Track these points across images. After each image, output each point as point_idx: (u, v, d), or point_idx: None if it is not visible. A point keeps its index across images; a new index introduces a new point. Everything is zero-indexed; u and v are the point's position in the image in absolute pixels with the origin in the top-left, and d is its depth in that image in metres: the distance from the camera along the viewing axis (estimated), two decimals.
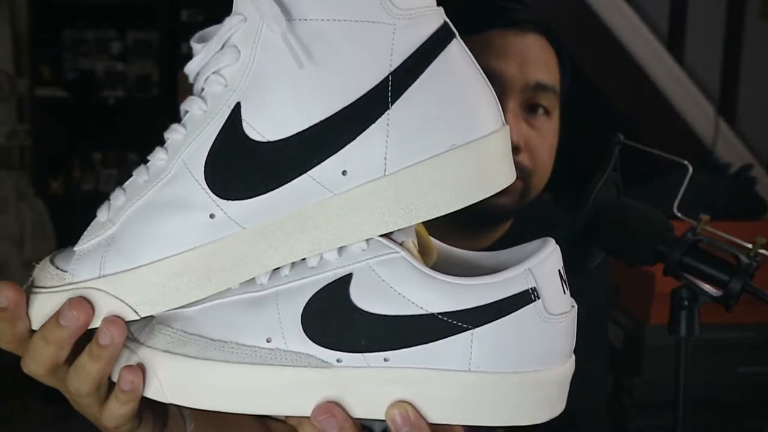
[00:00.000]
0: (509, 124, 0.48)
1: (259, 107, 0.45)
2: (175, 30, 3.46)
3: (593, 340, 0.90)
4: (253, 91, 0.45)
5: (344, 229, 0.45)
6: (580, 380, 0.51)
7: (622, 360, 1.62)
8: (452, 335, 0.45)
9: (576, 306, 0.49)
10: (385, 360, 0.46)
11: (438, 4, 0.46)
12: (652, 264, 0.69)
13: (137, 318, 0.47)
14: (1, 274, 2.88)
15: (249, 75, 0.45)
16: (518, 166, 0.48)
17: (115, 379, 0.47)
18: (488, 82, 0.47)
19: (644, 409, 1.56)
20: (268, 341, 0.46)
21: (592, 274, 0.78)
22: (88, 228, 0.48)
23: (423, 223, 0.48)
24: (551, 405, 0.48)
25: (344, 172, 0.45)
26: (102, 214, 0.48)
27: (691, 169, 0.71)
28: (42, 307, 0.46)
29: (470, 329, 0.45)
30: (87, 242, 0.47)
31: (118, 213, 0.47)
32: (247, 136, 0.45)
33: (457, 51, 0.46)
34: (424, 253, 0.50)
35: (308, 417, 0.46)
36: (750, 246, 0.65)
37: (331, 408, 0.46)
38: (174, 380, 0.46)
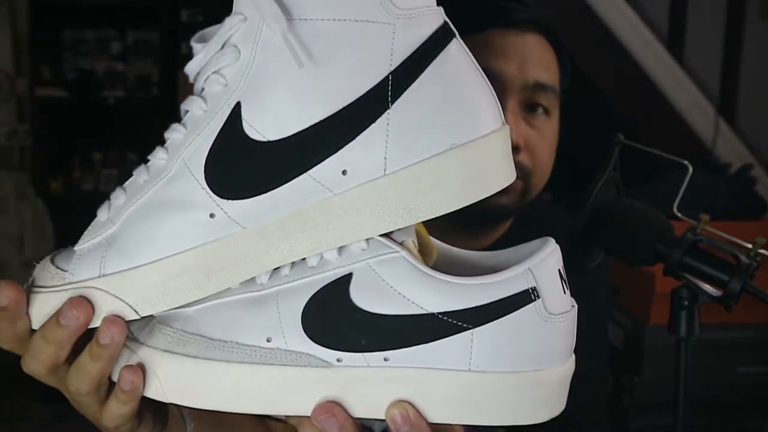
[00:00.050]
0: (509, 124, 0.48)
1: (259, 107, 0.45)
2: (175, 30, 3.46)
3: (593, 340, 0.90)
4: (254, 90, 0.45)
5: (344, 228, 0.45)
6: (580, 380, 0.51)
7: (622, 360, 1.62)
8: (452, 335, 0.45)
9: (576, 305, 0.49)
10: (385, 359, 0.46)
11: (438, 4, 0.46)
12: (652, 264, 0.69)
13: (137, 317, 0.47)
14: (1, 274, 2.88)
15: (249, 75, 0.45)
16: (518, 165, 0.48)
17: (115, 378, 0.47)
18: (488, 81, 0.47)
19: (644, 409, 1.56)
20: (268, 341, 0.46)
21: (592, 274, 0.78)
22: (89, 227, 0.48)
23: (423, 222, 0.48)
24: (551, 404, 0.48)
25: (344, 172, 0.45)
26: (102, 213, 0.48)
27: (691, 169, 0.71)
28: (42, 307, 0.46)
29: (470, 329, 0.45)
30: (87, 242, 0.47)
31: (119, 212, 0.47)
32: (247, 136, 0.45)
33: (457, 51, 0.46)
34: (424, 252, 0.50)
35: (308, 416, 0.46)
36: (750, 246, 0.65)
37: (332, 407, 0.46)
38: (174, 380, 0.47)
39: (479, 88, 0.46)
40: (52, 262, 0.48)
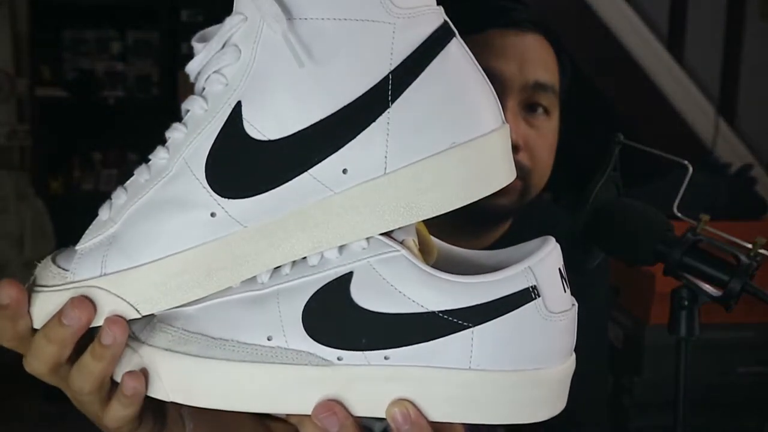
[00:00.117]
0: (508, 123, 0.48)
1: (259, 106, 0.45)
2: (175, 30, 3.46)
3: (593, 340, 0.90)
4: (254, 90, 0.45)
5: (345, 227, 0.45)
6: (580, 380, 0.51)
7: (622, 360, 1.62)
8: (453, 333, 0.45)
9: (576, 304, 0.49)
10: (386, 358, 0.46)
11: (438, 4, 0.46)
12: (652, 264, 0.69)
13: (139, 316, 0.47)
14: (1, 274, 2.88)
15: (250, 74, 0.45)
16: (517, 165, 0.48)
17: (117, 378, 0.47)
18: (488, 80, 0.47)
19: (644, 409, 1.56)
20: (269, 339, 0.46)
21: (592, 274, 0.78)
22: (90, 227, 0.48)
23: (423, 221, 0.48)
24: (552, 403, 0.48)
25: (345, 171, 0.45)
26: (103, 212, 0.48)
27: (691, 169, 0.71)
28: (43, 306, 0.46)
29: (470, 327, 0.45)
30: (88, 241, 0.47)
31: (120, 212, 0.47)
32: (247, 135, 0.45)
33: (457, 50, 0.46)
34: (424, 251, 0.50)
35: (309, 415, 0.47)
36: (750, 246, 0.65)
37: (332, 406, 0.46)
38: (175, 379, 0.47)
39: (479, 87, 0.46)
40: (54, 261, 0.48)
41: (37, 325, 0.46)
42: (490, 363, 0.46)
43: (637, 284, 1.58)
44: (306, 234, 0.46)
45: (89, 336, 0.46)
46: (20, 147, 3.13)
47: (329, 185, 0.45)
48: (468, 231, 0.83)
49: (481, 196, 0.46)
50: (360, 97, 0.44)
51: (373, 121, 0.44)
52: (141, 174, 0.47)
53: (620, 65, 2.19)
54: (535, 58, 0.83)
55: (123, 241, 0.46)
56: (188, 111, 0.47)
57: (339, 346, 0.46)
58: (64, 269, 0.47)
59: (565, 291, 0.47)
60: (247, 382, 0.46)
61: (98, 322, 0.46)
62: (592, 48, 2.16)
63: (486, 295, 0.45)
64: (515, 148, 0.81)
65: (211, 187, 0.45)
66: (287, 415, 0.49)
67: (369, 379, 0.46)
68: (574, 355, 0.49)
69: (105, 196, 0.49)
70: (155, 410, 0.52)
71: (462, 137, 0.45)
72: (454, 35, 0.46)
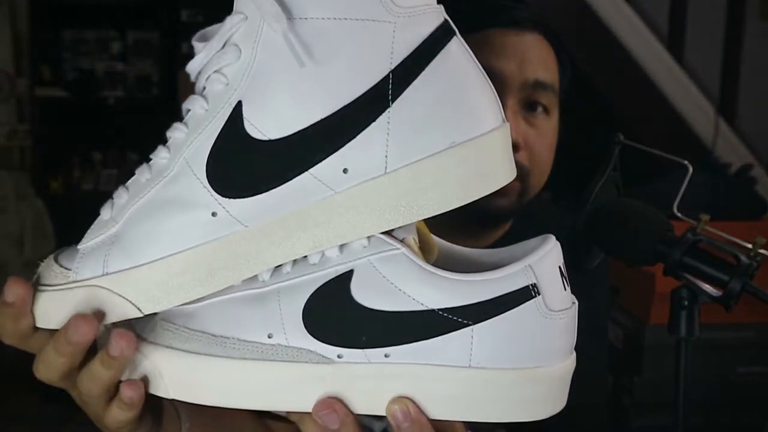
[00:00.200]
0: (508, 122, 0.48)
1: (260, 106, 0.45)
2: (175, 30, 3.46)
3: (593, 339, 0.90)
4: (255, 89, 0.45)
5: (345, 226, 0.46)
6: (580, 380, 0.51)
7: (622, 360, 1.62)
8: (453, 331, 0.45)
9: (577, 302, 0.49)
10: (386, 356, 0.46)
11: (438, 3, 0.46)
12: (652, 264, 0.69)
13: (141, 315, 0.47)
14: (1, 274, 2.88)
15: (250, 74, 0.45)
16: (516, 165, 0.48)
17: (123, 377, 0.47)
18: (488, 79, 0.47)
19: (644, 409, 1.56)
20: (269, 337, 0.46)
21: (592, 274, 0.78)
22: (92, 226, 0.48)
23: (424, 221, 0.48)
24: (552, 401, 0.48)
25: (345, 170, 0.45)
26: (105, 212, 0.48)
27: (691, 169, 0.71)
28: (46, 305, 0.46)
29: (470, 325, 0.45)
30: (90, 240, 0.48)
31: (121, 211, 0.47)
32: (248, 135, 0.45)
33: (457, 49, 0.46)
34: (425, 250, 0.50)
35: (309, 413, 0.47)
36: (750, 246, 0.65)
37: (333, 403, 0.46)
38: (176, 376, 0.47)
39: (480, 86, 0.46)
40: (56, 260, 0.48)
41: (39, 324, 0.47)
42: (490, 361, 0.46)
43: (637, 284, 1.58)
44: (307, 233, 0.46)
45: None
46: (20, 147, 3.13)
47: (330, 185, 0.45)
48: (468, 232, 0.83)
49: (482, 195, 0.46)
50: (360, 96, 0.44)
51: (374, 120, 0.44)
52: (142, 173, 0.47)
53: (620, 65, 2.19)
54: (535, 57, 0.83)
55: (125, 241, 0.47)
56: (189, 111, 0.47)
57: (339, 343, 0.46)
58: (66, 268, 0.47)
59: (565, 289, 0.47)
60: (247, 380, 0.46)
61: (109, 319, 0.46)
62: (592, 48, 2.16)
63: (486, 293, 0.45)
64: (515, 147, 0.81)
65: (212, 187, 0.46)
66: (287, 412, 0.49)
67: (369, 377, 0.46)
68: (574, 354, 0.49)
69: (105, 196, 0.49)
70: (152, 410, 0.52)
71: (462, 136, 0.45)
72: (454, 34, 0.46)
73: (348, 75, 0.44)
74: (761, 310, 0.79)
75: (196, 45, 0.47)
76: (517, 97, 0.82)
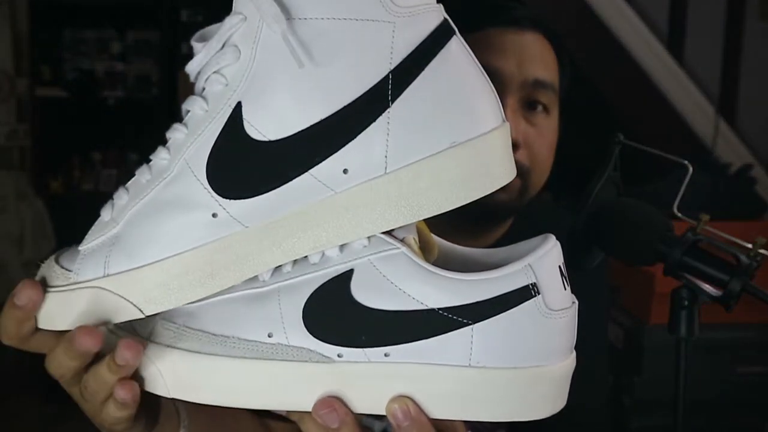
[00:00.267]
0: (508, 121, 0.48)
1: (260, 107, 0.45)
2: (175, 30, 3.46)
3: (593, 340, 0.90)
4: (254, 90, 0.45)
5: (346, 227, 0.46)
6: (580, 379, 0.51)
7: (622, 360, 1.62)
8: (453, 330, 0.45)
9: (577, 302, 0.48)
10: (386, 355, 0.46)
11: (437, 2, 0.46)
12: (652, 264, 0.69)
13: (143, 316, 0.47)
14: (1, 274, 2.88)
15: (249, 74, 0.45)
16: (516, 163, 0.48)
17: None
18: (488, 79, 0.47)
19: (644, 409, 1.56)
20: (269, 336, 0.46)
21: (591, 274, 0.78)
22: (93, 227, 0.48)
23: (424, 221, 0.48)
24: (552, 401, 0.48)
25: (345, 171, 0.45)
26: (106, 213, 0.48)
27: (691, 169, 0.71)
28: (48, 307, 0.46)
29: (470, 324, 0.45)
30: (91, 241, 0.48)
31: (122, 212, 0.47)
32: (248, 136, 0.45)
33: (457, 48, 0.46)
34: (425, 249, 0.50)
35: (309, 412, 0.47)
36: (750, 246, 0.65)
37: (333, 402, 0.46)
38: (176, 375, 0.47)
39: (480, 85, 0.46)
40: (57, 261, 0.48)
41: (41, 325, 0.47)
42: (490, 360, 0.46)
43: (637, 284, 1.58)
44: (307, 234, 0.46)
45: None
46: (20, 147, 3.13)
47: (330, 185, 0.45)
48: (467, 231, 0.83)
49: (482, 195, 0.46)
50: (360, 96, 0.44)
51: (374, 120, 0.44)
52: (142, 174, 0.47)
53: (620, 65, 2.19)
54: (535, 55, 0.84)
55: (125, 242, 0.47)
56: (189, 111, 0.47)
57: (339, 342, 0.46)
58: (67, 270, 0.47)
59: (565, 288, 0.47)
60: (247, 379, 0.46)
61: (115, 319, 0.47)
62: (592, 48, 2.16)
63: (486, 292, 0.45)
64: (515, 146, 0.81)
65: (212, 188, 0.45)
66: (287, 412, 0.49)
67: (369, 376, 0.46)
68: (574, 353, 0.49)
69: (105, 196, 0.49)
70: (148, 406, 0.52)
71: (462, 136, 0.45)
72: (454, 33, 0.46)
73: (347, 75, 0.44)
74: (761, 310, 0.79)
75: (195, 45, 0.47)
76: (517, 96, 0.82)
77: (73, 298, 0.46)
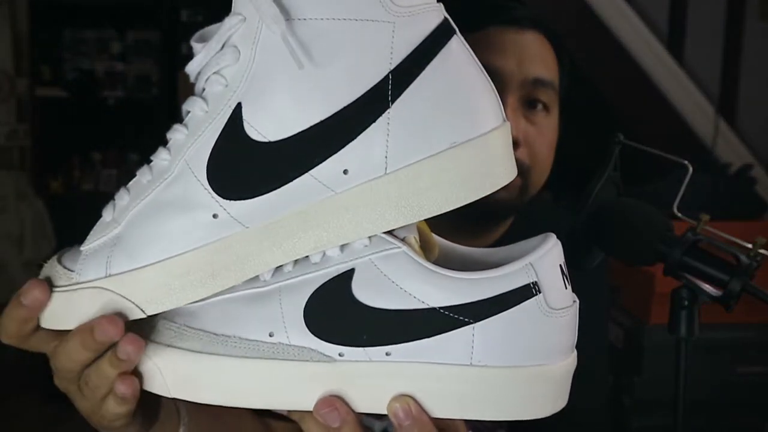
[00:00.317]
0: (508, 120, 0.48)
1: (259, 107, 0.45)
2: (175, 30, 3.46)
3: (593, 339, 0.90)
4: (254, 91, 0.45)
5: (346, 227, 0.46)
6: (580, 379, 0.51)
7: (622, 360, 1.62)
8: (454, 329, 0.45)
9: (578, 301, 0.49)
10: (387, 354, 0.46)
11: (437, 1, 0.46)
12: (652, 264, 0.69)
13: (144, 317, 0.47)
14: (1, 274, 2.88)
15: (249, 75, 0.45)
16: (516, 162, 0.48)
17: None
18: (489, 78, 0.47)
19: (644, 409, 1.56)
20: (270, 336, 0.46)
21: (591, 274, 0.78)
22: (94, 227, 0.48)
23: (425, 221, 0.48)
24: (553, 400, 0.48)
25: (345, 171, 0.45)
26: (107, 213, 0.48)
27: (691, 169, 0.71)
28: (50, 306, 0.47)
29: (471, 323, 0.45)
30: (93, 242, 0.48)
31: (123, 213, 0.47)
32: (248, 137, 0.45)
33: (457, 48, 0.46)
34: (425, 249, 0.50)
35: (311, 411, 0.47)
36: (750, 246, 0.65)
37: (334, 402, 0.46)
38: (177, 375, 0.47)
39: (480, 85, 0.46)
40: (59, 261, 0.48)
41: (44, 324, 0.47)
42: (491, 359, 0.46)
43: (637, 284, 1.58)
44: (308, 234, 0.46)
45: None
46: (20, 147, 3.13)
47: (330, 186, 0.45)
48: (468, 230, 0.83)
49: (483, 195, 0.46)
50: (360, 97, 0.44)
51: (374, 121, 0.44)
52: (143, 175, 0.48)
53: (620, 65, 2.19)
54: (535, 54, 0.84)
55: (127, 243, 0.47)
56: (189, 112, 0.47)
57: (340, 342, 0.46)
58: (70, 270, 0.47)
59: (566, 287, 0.47)
60: (248, 378, 0.47)
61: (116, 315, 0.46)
62: (592, 48, 2.16)
63: (487, 291, 0.45)
64: (515, 144, 0.81)
65: (213, 189, 0.46)
66: (288, 411, 0.49)
67: (370, 375, 0.46)
68: (575, 352, 0.49)
69: (105, 196, 0.49)
70: (146, 404, 0.52)
71: (463, 136, 0.45)
72: (454, 33, 0.46)
73: (347, 76, 0.44)
74: (761, 310, 0.79)
75: (195, 45, 0.47)
76: (517, 94, 0.82)
77: (75, 298, 0.46)
